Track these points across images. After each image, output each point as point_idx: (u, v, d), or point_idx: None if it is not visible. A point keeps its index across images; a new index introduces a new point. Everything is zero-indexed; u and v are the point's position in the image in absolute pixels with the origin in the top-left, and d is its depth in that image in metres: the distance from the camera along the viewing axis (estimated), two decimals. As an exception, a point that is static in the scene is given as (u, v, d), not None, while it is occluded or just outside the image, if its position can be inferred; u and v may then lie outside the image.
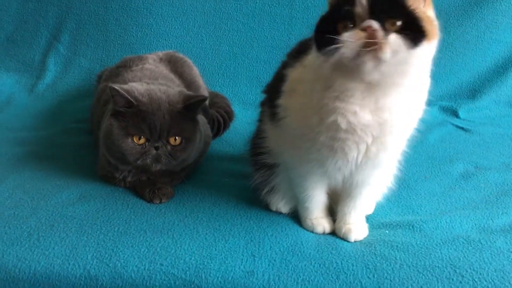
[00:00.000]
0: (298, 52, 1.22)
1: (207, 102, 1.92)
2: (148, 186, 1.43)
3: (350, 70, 1.02)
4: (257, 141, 1.37)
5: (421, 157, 1.76)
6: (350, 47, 0.98)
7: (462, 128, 2.11)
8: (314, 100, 1.11)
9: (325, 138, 1.12)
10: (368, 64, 0.99)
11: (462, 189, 1.57)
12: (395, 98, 1.07)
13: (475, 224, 1.35)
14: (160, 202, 1.40)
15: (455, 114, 2.24)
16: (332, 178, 1.24)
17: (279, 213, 1.37)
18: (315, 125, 1.12)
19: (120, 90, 1.33)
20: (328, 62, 1.02)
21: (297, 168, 1.26)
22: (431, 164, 1.75)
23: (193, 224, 1.31)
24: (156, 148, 1.36)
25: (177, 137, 1.38)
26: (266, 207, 1.39)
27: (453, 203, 1.48)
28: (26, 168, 1.56)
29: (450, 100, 2.29)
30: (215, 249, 1.20)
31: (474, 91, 2.32)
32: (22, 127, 1.92)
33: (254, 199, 1.41)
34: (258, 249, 1.21)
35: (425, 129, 2.00)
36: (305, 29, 2.34)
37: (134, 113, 1.35)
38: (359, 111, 1.07)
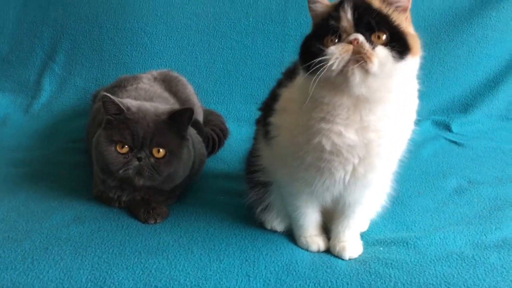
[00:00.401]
0: (292, 72, 1.24)
1: (201, 120, 1.94)
2: (142, 206, 1.43)
3: (337, 84, 1.03)
4: (252, 159, 1.38)
5: (414, 173, 1.78)
6: (338, 59, 0.99)
7: (455, 142, 2.13)
8: (302, 121, 1.12)
9: (312, 158, 1.14)
10: (356, 77, 1.00)
11: (456, 204, 1.59)
12: (380, 116, 1.08)
13: (469, 240, 1.36)
14: (155, 223, 1.41)
15: (448, 128, 2.26)
16: (320, 197, 1.25)
17: (274, 232, 1.38)
18: (303, 145, 1.13)
19: (111, 96, 1.36)
20: (315, 78, 1.02)
21: (287, 186, 1.28)
22: (424, 179, 1.76)
23: (188, 244, 1.31)
24: (139, 159, 1.36)
25: (160, 149, 1.38)
26: (261, 226, 1.39)
27: (447, 219, 1.49)
28: (21, 189, 1.57)
29: (442, 114, 2.32)
30: (210, 270, 1.21)
31: (466, 105, 2.35)
32: (18, 147, 1.94)
33: (249, 217, 1.41)
34: (253, 269, 1.22)
35: (419, 143, 2.04)
36: (299, 46, 2.39)
37: (121, 120, 1.37)
38: (344, 132, 1.08)
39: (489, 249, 1.31)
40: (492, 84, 2.35)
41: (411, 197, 1.62)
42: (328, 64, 0.99)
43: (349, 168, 1.14)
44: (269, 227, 1.38)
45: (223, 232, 1.37)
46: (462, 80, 2.35)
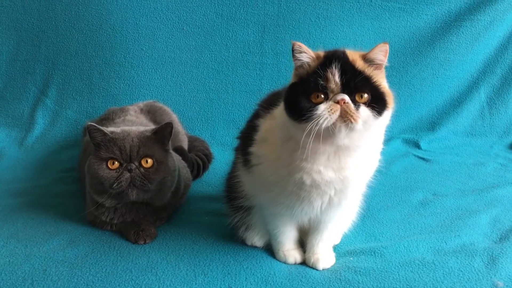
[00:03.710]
0: (269, 103, 1.34)
1: (186, 146, 2.06)
2: (133, 228, 1.54)
3: (324, 136, 1.14)
4: (232, 185, 1.48)
5: (384, 188, 1.91)
6: (327, 119, 1.11)
7: (423, 159, 2.28)
8: (284, 156, 1.24)
9: (293, 188, 1.25)
10: (342, 132, 1.13)
11: (421, 216, 1.72)
12: (356, 159, 1.22)
13: (430, 247, 1.49)
14: (145, 243, 1.51)
15: (417, 145, 2.42)
16: (299, 219, 1.37)
17: (254, 247, 1.49)
18: (284, 176, 1.25)
19: (94, 124, 1.49)
20: (303, 128, 1.13)
21: (269, 208, 1.39)
22: (393, 193, 1.90)
23: (175, 261, 1.41)
24: (130, 171, 1.47)
25: (148, 159, 1.49)
26: (242, 242, 1.50)
27: (412, 229, 1.63)
28: (19, 218, 1.65)
29: (412, 132, 2.48)
30: (195, 283, 1.31)
31: (433, 124, 2.53)
32: (14, 179, 2.02)
33: (232, 235, 1.52)
34: (235, 281, 1.33)
35: (390, 160, 2.18)
36: (276, 74, 2.55)
37: (108, 141, 1.49)
38: (323, 170, 1.21)
39: (448, 255, 1.45)
40: (456, 103, 2.53)
41: (380, 210, 1.75)
42: (320, 124, 1.11)
43: (326, 198, 1.27)
44: (249, 244, 1.49)
45: (207, 249, 1.48)
46: (429, 100, 2.53)
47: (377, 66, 1.18)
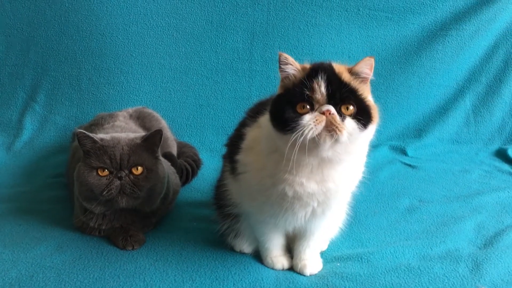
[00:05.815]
0: (255, 112, 1.36)
1: (175, 152, 2.06)
2: (121, 234, 1.54)
3: (308, 148, 1.14)
4: (220, 193, 1.49)
5: (371, 194, 1.93)
6: (313, 130, 1.12)
7: (409, 165, 2.31)
8: (268, 166, 1.25)
9: (276, 198, 1.26)
10: (327, 144, 1.14)
11: (407, 222, 1.74)
12: (339, 172, 1.23)
13: (416, 253, 1.51)
14: (133, 249, 1.51)
15: (403, 152, 2.45)
16: (284, 227, 1.38)
17: (242, 254, 1.50)
18: (268, 186, 1.26)
19: (85, 132, 1.49)
20: (287, 139, 1.14)
21: (255, 216, 1.40)
22: (380, 200, 1.92)
23: (163, 267, 1.42)
24: (120, 179, 1.47)
25: (138, 167, 1.50)
26: (231, 249, 1.51)
27: (398, 235, 1.65)
28: (6, 223, 1.65)
29: (398, 140, 2.51)
30: (183, 289, 1.32)
31: (420, 131, 2.56)
32: (1, 184, 2.00)
33: (220, 241, 1.53)
34: (223, 286, 1.34)
35: (377, 167, 2.21)
36: (265, 80, 2.57)
37: (98, 149, 1.48)
38: (305, 183, 1.22)
39: (433, 261, 1.47)
40: (442, 111, 2.57)
41: (367, 216, 1.77)
42: (305, 134, 1.11)
43: (309, 209, 1.28)
44: (238, 250, 1.50)
45: (195, 255, 1.49)
46: (415, 108, 2.56)
47: (363, 79, 1.19)
